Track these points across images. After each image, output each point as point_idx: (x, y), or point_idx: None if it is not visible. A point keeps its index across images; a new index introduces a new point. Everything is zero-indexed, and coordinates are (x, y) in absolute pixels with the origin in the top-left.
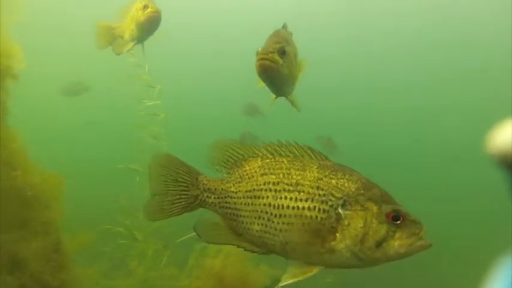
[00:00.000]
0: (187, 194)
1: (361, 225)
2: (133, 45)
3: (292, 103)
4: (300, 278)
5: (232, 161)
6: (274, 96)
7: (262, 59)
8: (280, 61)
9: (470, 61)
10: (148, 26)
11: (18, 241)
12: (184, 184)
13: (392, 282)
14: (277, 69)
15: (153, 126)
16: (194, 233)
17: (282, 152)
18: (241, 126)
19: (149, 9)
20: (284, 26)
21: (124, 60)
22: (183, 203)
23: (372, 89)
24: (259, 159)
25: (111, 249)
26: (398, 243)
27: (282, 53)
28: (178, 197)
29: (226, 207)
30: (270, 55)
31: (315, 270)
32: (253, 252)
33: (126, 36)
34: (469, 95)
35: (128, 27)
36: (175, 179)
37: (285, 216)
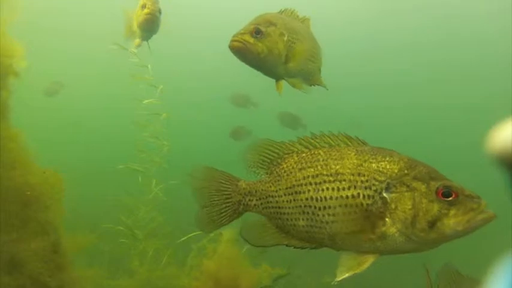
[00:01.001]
0: (231, 201)
1: (409, 206)
2: (137, 43)
3: (295, 86)
4: (357, 271)
5: (268, 161)
6: (276, 80)
7: (231, 40)
8: (252, 41)
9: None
10: (146, 27)
11: (16, 241)
12: (227, 192)
13: (392, 282)
14: (247, 49)
15: (154, 126)
16: (194, 233)
17: (317, 144)
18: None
19: (145, 10)
20: (282, 11)
21: (124, 60)
22: (229, 210)
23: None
24: (295, 155)
25: (111, 249)
26: (454, 221)
27: (257, 33)
28: (224, 206)
29: (269, 207)
30: (239, 36)
31: (371, 259)
32: (304, 248)
33: (133, 34)
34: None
35: (133, 25)
36: (217, 188)
37: (329, 207)
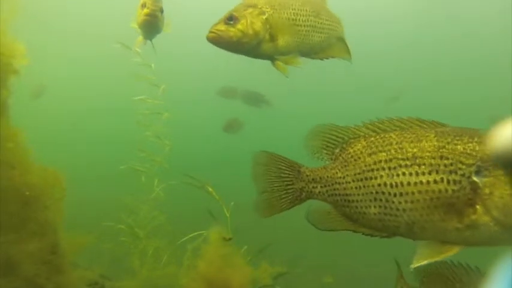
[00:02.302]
0: (292, 188)
1: (509, 191)
2: (139, 42)
3: (287, 63)
4: (436, 259)
5: (333, 146)
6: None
7: (208, 32)
8: (223, 28)
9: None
10: (145, 27)
11: (13, 243)
12: (288, 179)
13: (392, 282)
14: (220, 36)
15: (156, 126)
16: (196, 233)
17: (386, 128)
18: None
19: (145, 10)
20: None
21: (127, 59)
22: (290, 197)
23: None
24: (362, 139)
25: (112, 248)
26: None
27: (229, 19)
28: (284, 192)
29: (336, 195)
30: (213, 27)
31: (455, 249)
32: (373, 236)
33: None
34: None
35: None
36: (278, 175)
37: (406, 194)
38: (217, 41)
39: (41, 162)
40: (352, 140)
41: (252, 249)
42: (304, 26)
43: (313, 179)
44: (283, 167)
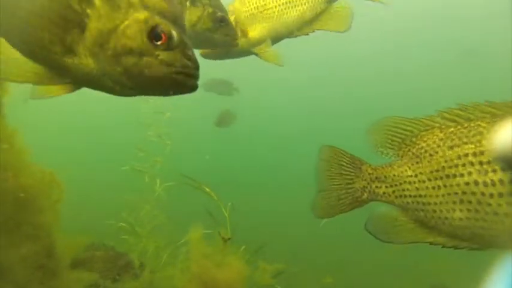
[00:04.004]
0: (352, 188)
1: None
2: None
3: (263, 57)
4: None
5: (399, 141)
6: None
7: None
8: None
9: None
10: None
11: (6, 247)
12: (348, 177)
13: (392, 282)
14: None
15: (158, 126)
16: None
17: (470, 116)
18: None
19: None
20: None
21: None
22: (350, 197)
23: None
24: (438, 131)
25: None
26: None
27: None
28: (344, 191)
29: (406, 196)
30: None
31: None
32: (458, 248)
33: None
34: None
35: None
36: (339, 172)
37: (509, 194)
38: (205, 57)
39: (40, 163)
40: (424, 133)
41: (250, 248)
42: (276, 6)
43: (376, 178)
44: (345, 163)
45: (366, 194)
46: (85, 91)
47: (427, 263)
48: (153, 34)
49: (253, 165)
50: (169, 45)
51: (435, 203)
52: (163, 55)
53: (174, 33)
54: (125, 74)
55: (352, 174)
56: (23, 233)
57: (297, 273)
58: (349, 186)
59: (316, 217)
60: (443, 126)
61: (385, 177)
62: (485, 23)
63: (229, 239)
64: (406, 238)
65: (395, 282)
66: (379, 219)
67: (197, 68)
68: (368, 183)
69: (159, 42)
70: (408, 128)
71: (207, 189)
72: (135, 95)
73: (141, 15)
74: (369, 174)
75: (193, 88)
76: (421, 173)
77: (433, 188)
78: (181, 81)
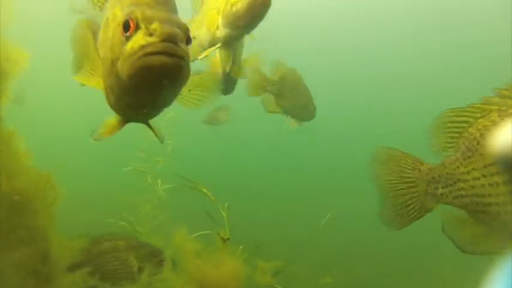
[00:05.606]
0: (416, 191)
1: None
2: None
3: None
4: None
5: (458, 136)
6: None
7: None
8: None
9: None
10: None
11: None
12: (410, 180)
13: (392, 282)
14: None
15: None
16: (196, 233)
17: None
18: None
19: None
20: None
21: None
22: (416, 202)
23: None
24: (496, 114)
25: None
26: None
27: None
28: (409, 197)
29: (462, 196)
30: None
31: None
32: None
33: None
34: None
35: None
36: (399, 175)
37: None
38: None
39: (40, 165)
40: (481, 120)
41: (248, 247)
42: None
43: (432, 178)
44: (403, 165)
45: (429, 198)
46: (85, 91)
47: (427, 263)
48: (125, 28)
49: (253, 165)
50: (136, 31)
51: (497, 204)
52: (128, 45)
53: (138, 14)
54: (119, 87)
55: (413, 176)
56: (18, 237)
57: (296, 273)
58: (413, 190)
59: (390, 229)
60: (501, 110)
61: (439, 176)
62: None
63: (228, 239)
64: (485, 248)
65: (396, 282)
66: (453, 224)
67: (165, 39)
68: (428, 185)
69: (128, 33)
70: (463, 119)
71: (204, 190)
72: (146, 105)
73: (118, 17)
74: (427, 174)
75: (172, 66)
76: (475, 169)
77: (490, 185)
78: (148, 64)
